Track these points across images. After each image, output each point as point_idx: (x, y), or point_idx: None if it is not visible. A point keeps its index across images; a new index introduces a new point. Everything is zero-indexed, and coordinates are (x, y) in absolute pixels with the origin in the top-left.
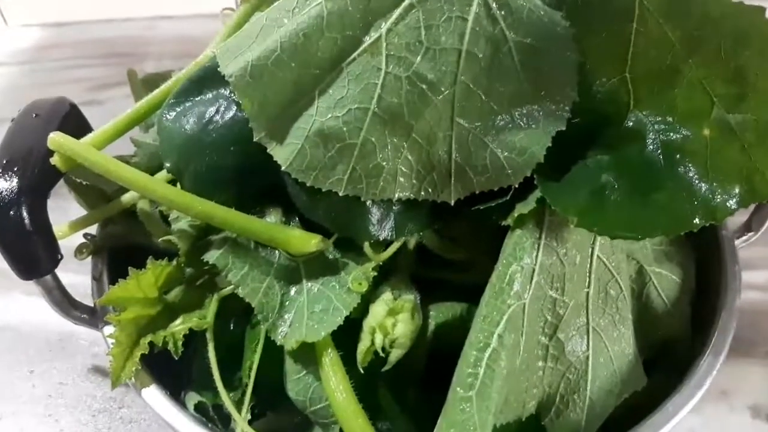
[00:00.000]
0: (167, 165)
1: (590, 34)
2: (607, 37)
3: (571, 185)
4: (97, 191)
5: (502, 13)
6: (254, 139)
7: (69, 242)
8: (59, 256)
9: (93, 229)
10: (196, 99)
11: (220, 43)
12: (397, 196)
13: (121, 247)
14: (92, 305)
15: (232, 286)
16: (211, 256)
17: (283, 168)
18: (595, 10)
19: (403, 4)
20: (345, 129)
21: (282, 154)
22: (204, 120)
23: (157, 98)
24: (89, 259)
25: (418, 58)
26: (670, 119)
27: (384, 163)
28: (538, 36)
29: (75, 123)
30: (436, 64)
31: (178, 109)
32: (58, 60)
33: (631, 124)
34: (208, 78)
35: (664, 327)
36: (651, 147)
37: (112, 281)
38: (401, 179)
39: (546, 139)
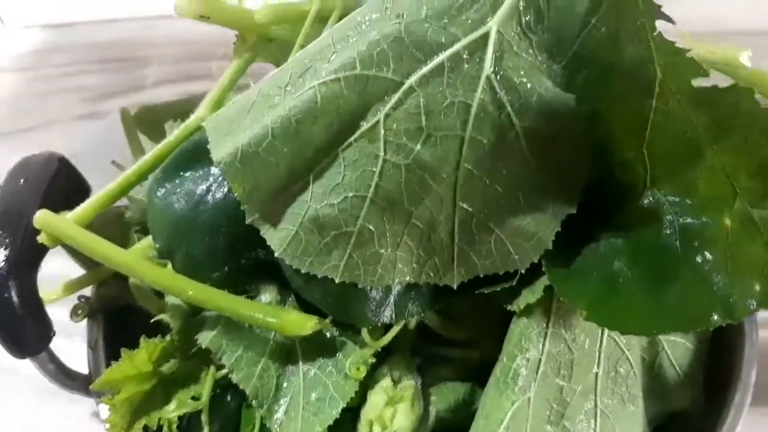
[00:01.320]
0: (157, 246)
1: (606, 105)
2: (624, 110)
3: (580, 273)
4: None
5: (509, 98)
6: (246, 222)
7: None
8: (51, 334)
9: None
10: (186, 175)
11: (212, 104)
12: (396, 281)
13: (117, 309)
14: (89, 372)
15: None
16: (204, 339)
17: (276, 254)
18: (612, 82)
19: (402, 89)
20: (341, 217)
21: (276, 239)
22: (194, 199)
23: (143, 168)
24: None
25: (418, 145)
26: (690, 202)
27: (382, 250)
28: (547, 121)
29: (66, 180)
30: (437, 150)
31: (168, 186)
32: (57, 66)
33: (647, 202)
34: (198, 152)
35: (676, 399)
36: (668, 231)
37: (108, 346)
38: (400, 265)
39: (555, 224)
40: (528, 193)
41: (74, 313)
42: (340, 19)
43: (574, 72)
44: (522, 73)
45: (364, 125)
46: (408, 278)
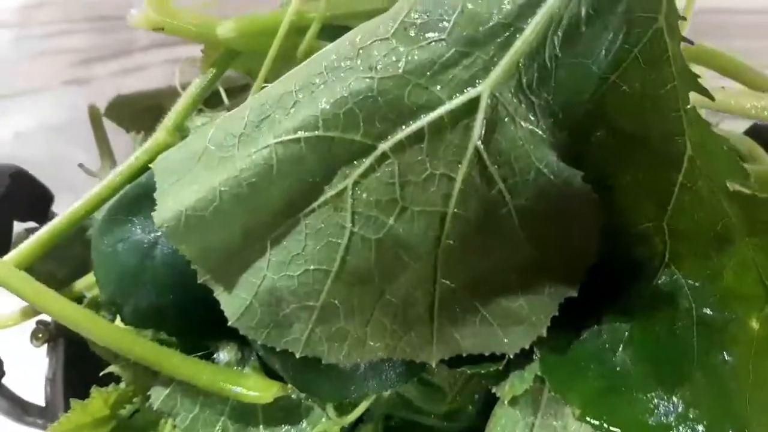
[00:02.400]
0: (103, 297)
1: (625, 170)
2: (644, 178)
3: (577, 364)
4: (46, 274)
5: (502, 173)
6: (198, 281)
7: None
8: (2, 373)
9: None
10: (135, 220)
11: (173, 127)
12: (367, 359)
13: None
14: (46, 404)
15: None
16: (157, 398)
17: (230, 323)
18: (631, 147)
19: (374, 154)
20: (301, 290)
21: (229, 306)
22: (141, 251)
23: (92, 202)
24: None
25: (392, 219)
26: (713, 292)
27: (350, 327)
28: (547, 200)
29: (24, 191)
30: (414, 225)
31: (115, 232)
32: (45, 24)
33: (663, 283)
34: (147, 195)
35: None
36: (683, 321)
37: (68, 378)
38: (372, 342)
39: (551, 308)
40: (521, 272)
41: (34, 337)
42: (323, 31)
43: (585, 134)
44: (519, 143)
45: (329, 191)
46: (381, 354)
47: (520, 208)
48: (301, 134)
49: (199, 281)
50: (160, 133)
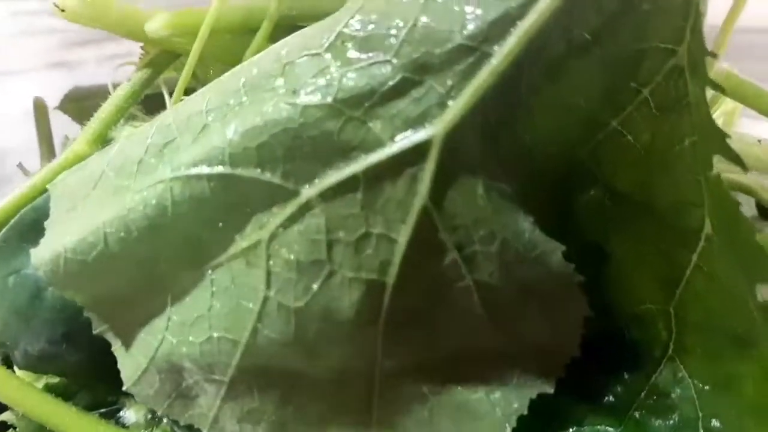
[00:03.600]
0: None
1: (624, 238)
2: (649, 252)
3: None
4: None
5: (457, 241)
6: (94, 332)
7: None
8: None
9: None
10: (29, 250)
11: (93, 137)
12: None
13: None
14: None
15: None
16: None
17: (125, 387)
18: (634, 214)
19: (296, 201)
20: (205, 362)
21: (126, 367)
22: (35, 288)
23: None
24: None
25: (316, 285)
26: (727, 403)
27: (266, 409)
28: (515, 278)
29: None
30: (346, 295)
31: (9, 261)
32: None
33: (664, 379)
34: (41, 222)
35: None
36: None
37: None
38: (294, 427)
39: (520, 405)
40: (481, 359)
41: None
42: (273, 33)
43: (571, 191)
44: (480, 204)
45: (241, 242)
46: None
47: (483, 284)
48: (204, 170)
49: (94, 332)
50: (79, 144)
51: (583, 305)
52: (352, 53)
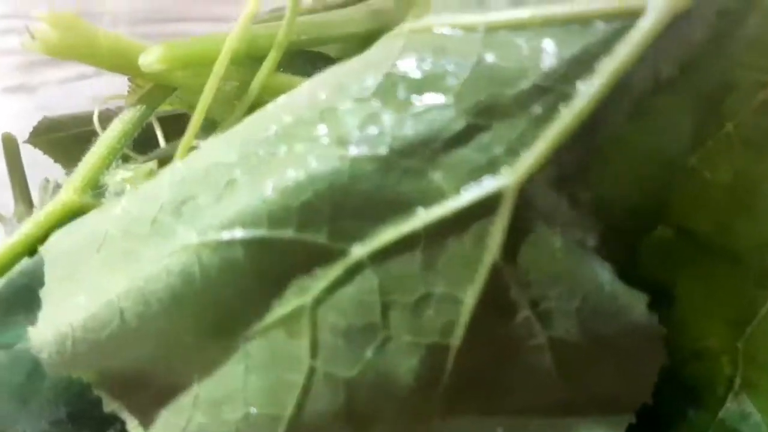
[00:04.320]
0: None
1: (691, 280)
2: (721, 293)
3: None
4: None
5: (531, 297)
6: (105, 410)
7: None
8: None
9: None
10: (21, 321)
11: (83, 183)
12: None
13: None
14: None
15: None
16: None
17: None
18: (711, 254)
19: (344, 261)
20: None
21: None
22: (31, 367)
23: None
24: None
25: (369, 352)
26: None
27: None
28: (594, 333)
29: None
30: (402, 361)
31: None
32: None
33: (729, 414)
34: (35, 290)
35: None
36: None
37: None
38: None
39: None
40: (546, 415)
41: None
42: (280, 61)
43: (638, 232)
44: (558, 257)
45: (279, 309)
46: None
47: (557, 340)
48: (235, 233)
49: (105, 410)
50: (66, 193)
51: (662, 354)
52: (406, 97)
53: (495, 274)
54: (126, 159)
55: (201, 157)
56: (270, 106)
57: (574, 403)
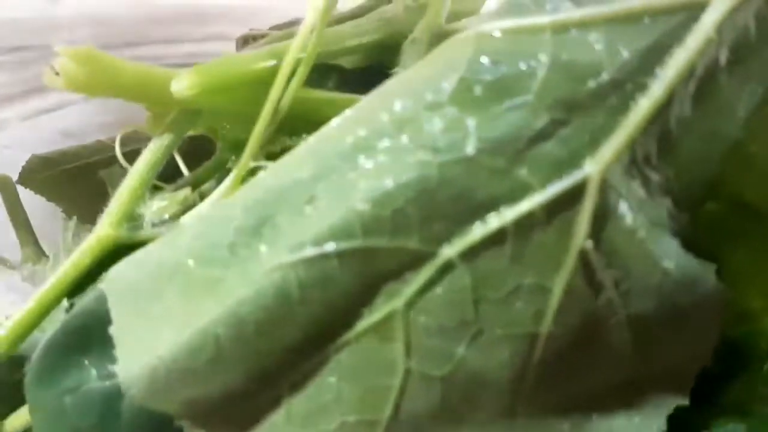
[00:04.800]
0: None
1: (736, 247)
2: (760, 254)
3: None
4: None
5: (615, 277)
6: None
7: None
8: None
9: None
10: (85, 362)
11: (119, 216)
12: None
13: None
14: None
15: None
16: None
17: None
18: (755, 219)
19: (434, 263)
20: None
21: None
22: (102, 405)
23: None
24: None
25: (462, 348)
26: None
27: None
28: (668, 305)
29: None
30: (495, 354)
31: (60, 380)
32: None
33: None
34: (93, 329)
35: None
36: None
37: None
38: None
39: (660, 424)
40: (620, 388)
41: None
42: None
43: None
44: (638, 237)
45: (370, 317)
46: None
47: (635, 317)
48: (332, 247)
49: None
50: (103, 227)
51: (722, 319)
52: (485, 99)
53: (582, 259)
54: (155, 188)
55: (273, 176)
56: (336, 121)
57: (645, 375)
